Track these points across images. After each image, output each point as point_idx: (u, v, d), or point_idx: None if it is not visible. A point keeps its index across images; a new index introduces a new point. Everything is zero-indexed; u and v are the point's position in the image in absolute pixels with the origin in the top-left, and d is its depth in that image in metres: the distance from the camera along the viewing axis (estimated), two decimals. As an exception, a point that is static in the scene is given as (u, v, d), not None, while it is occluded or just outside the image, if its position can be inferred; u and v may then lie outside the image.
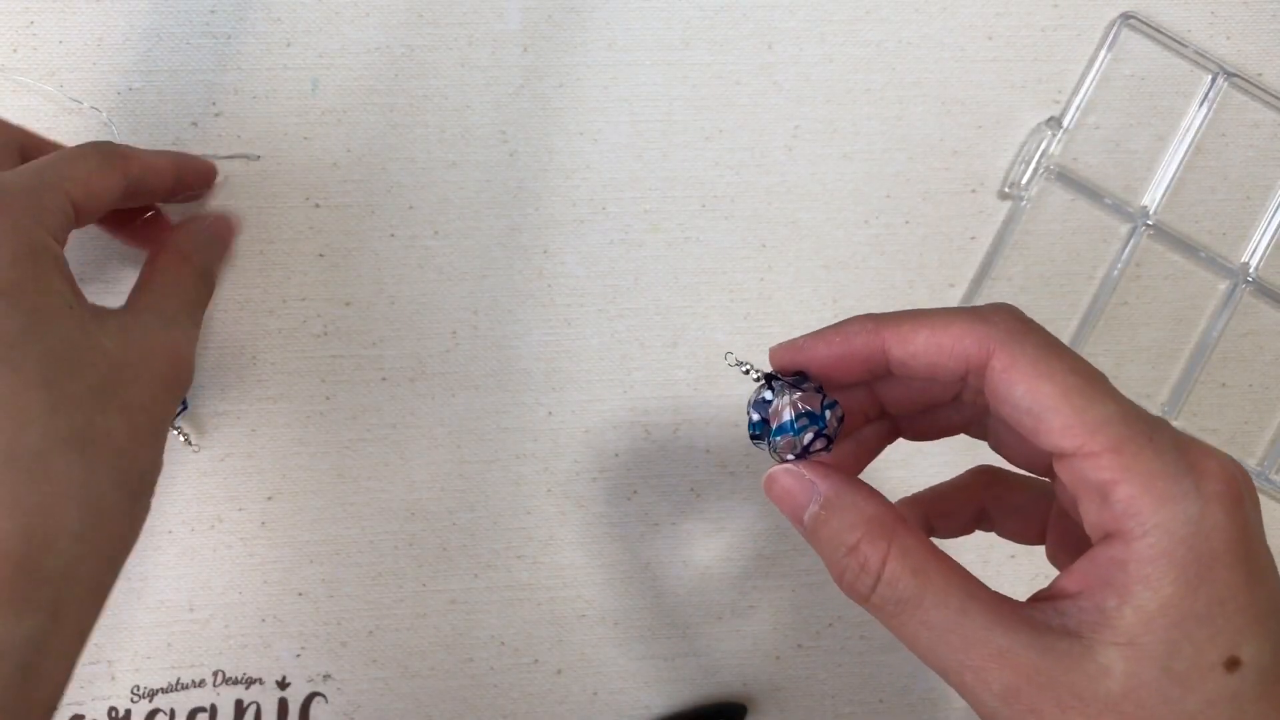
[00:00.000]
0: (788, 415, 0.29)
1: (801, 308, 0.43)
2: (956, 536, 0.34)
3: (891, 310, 0.29)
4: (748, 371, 0.30)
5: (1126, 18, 0.43)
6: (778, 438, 0.29)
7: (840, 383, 0.30)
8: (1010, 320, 0.27)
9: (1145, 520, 0.24)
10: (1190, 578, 0.23)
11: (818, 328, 0.30)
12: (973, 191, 0.44)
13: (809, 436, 0.29)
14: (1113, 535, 0.24)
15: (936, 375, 0.27)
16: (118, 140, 0.40)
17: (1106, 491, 0.24)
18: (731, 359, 0.31)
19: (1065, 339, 0.44)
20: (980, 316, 0.27)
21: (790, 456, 0.29)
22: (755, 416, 0.30)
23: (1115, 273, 0.44)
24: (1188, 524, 0.24)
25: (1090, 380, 0.25)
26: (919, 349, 0.27)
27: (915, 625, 0.26)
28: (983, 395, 0.27)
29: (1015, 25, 0.44)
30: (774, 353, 0.30)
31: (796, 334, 0.30)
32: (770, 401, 0.29)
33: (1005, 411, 0.26)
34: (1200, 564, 0.23)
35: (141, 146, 0.37)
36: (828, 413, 0.29)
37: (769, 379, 0.30)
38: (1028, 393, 0.25)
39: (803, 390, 0.29)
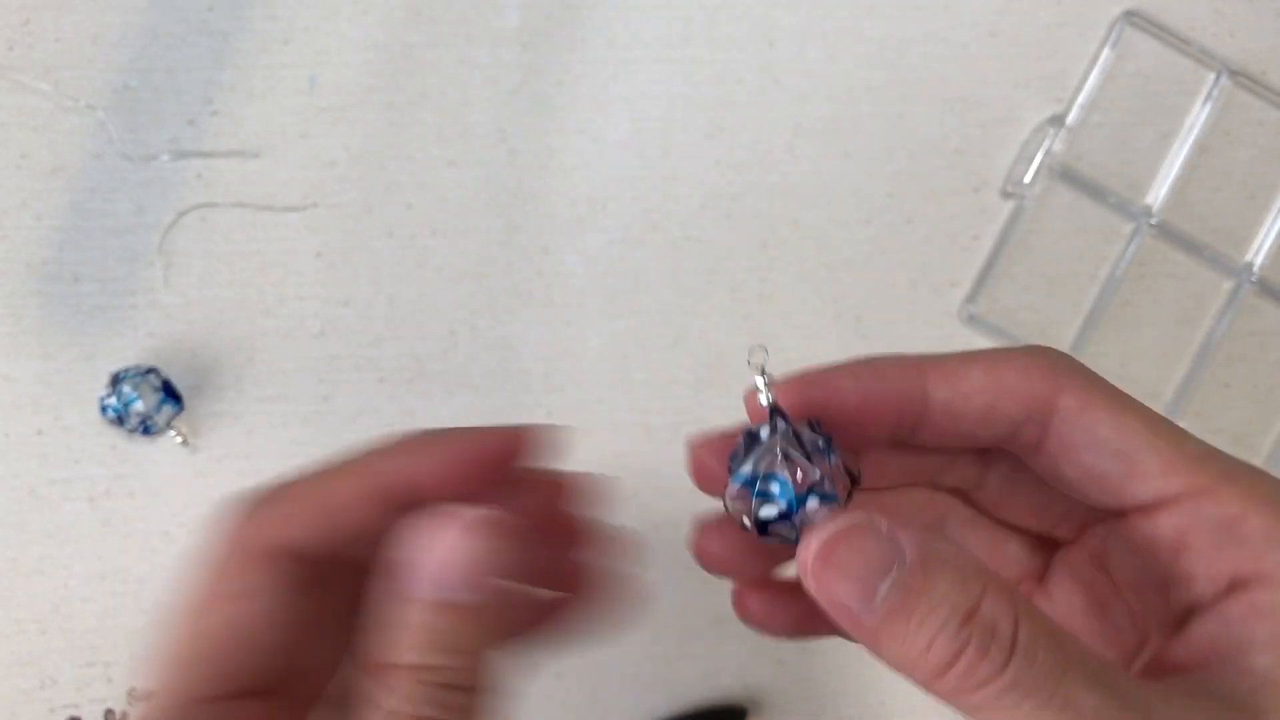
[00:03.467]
0: (782, 474, 0.22)
1: (803, 307, 0.43)
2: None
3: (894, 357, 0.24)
4: (768, 386, 0.23)
5: (1130, 15, 0.43)
6: (737, 489, 0.23)
7: (858, 433, 0.24)
8: (1067, 357, 0.23)
9: None
10: None
11: (828, 361, 0.24)
12: (975, 190, 0.44)
13: (814, 505, 0.22)
14: (1246, 581, 0.21)
15: (992, 420, 0.23)
16: (114, 139, 0.40)
17: (1234, 527, 0.21)
18: (760, 356, 0.23)
19: (1069, 339, 0.44)
20: (1036, 352, 0.23)
21: (746, 523, 0.23)
22: (738, 447, 0.23)
23: (1119, 272, 0.44)
24: None
25: (1165, 419, 0.22)
26: (974, 387, 0.23)
27: (1057, 706, 0.19)
28: (1034, 449, 0.23)
29: (1018, 23, 0.43)
30: (784, 387, 0.23)
31: (797, 334, 0.27)
32: (760, 442, 0.23)
33: (1082, 458, 0.22)
34: None
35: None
36: (824, 486, 0.22)
37: (773, 414, 0.23)
38: (1115, 431, 0.22)
39: (808, 441, 0.23)
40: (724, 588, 0.26)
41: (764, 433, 0.23)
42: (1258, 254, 0.44)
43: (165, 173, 0.41)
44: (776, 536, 0.23)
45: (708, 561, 0.25)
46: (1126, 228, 0.44)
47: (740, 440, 0.23)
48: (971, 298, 0.43)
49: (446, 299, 0.42)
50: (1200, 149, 0.44)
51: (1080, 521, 0.26)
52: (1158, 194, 0.44)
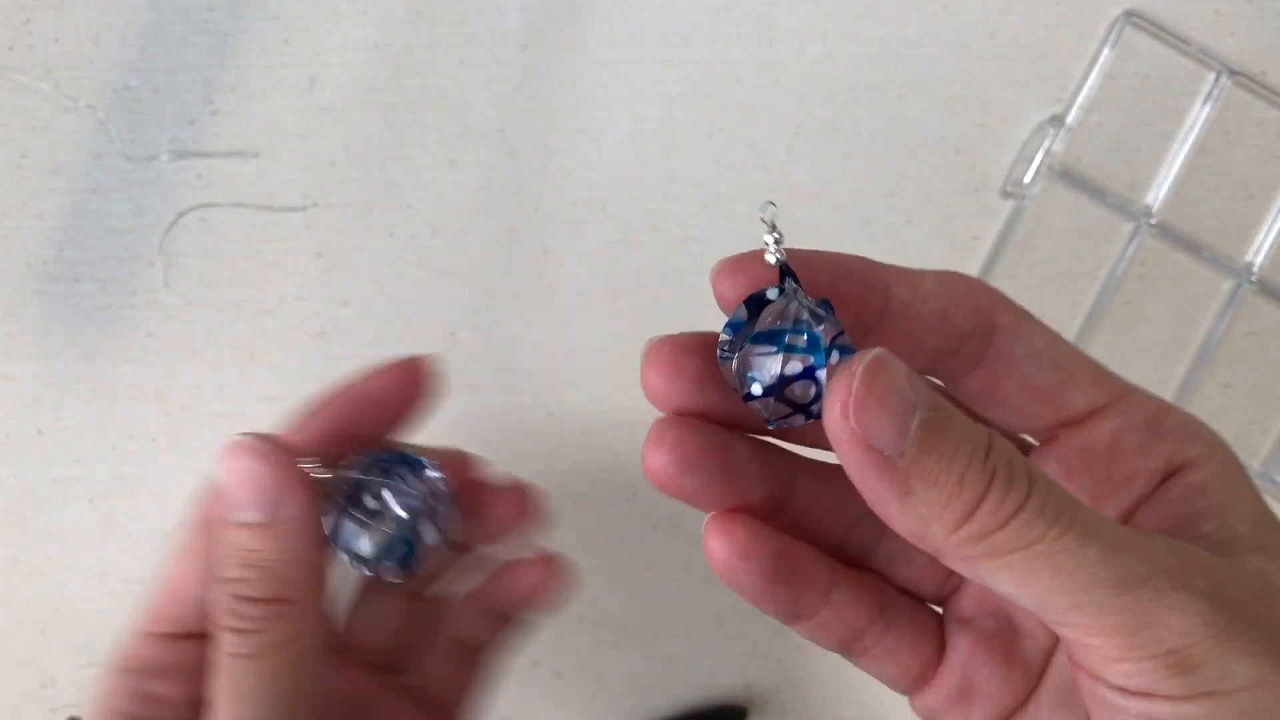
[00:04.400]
0: (810, 327, 0.21)
1: (803, 307, 0.43)
2: None
3: None
4: (778, 242, 0.22)
5: (1129, 15, 0.43)
6: (762, 347, 0.21)
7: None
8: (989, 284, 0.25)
9: (1207, 438, 0.23)
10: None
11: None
12: (975, 190, 0.44)
13: (835, 359, 0.21)
14: (1177, 468, 0.23)
15: (944, 328, 0.23)
16: (114, 139, 0.40)
17: (1158, 424, 0.23)
18: (770, 211, 0.22)
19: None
20: (967, 276, 0.24)
21: (757, 390, 0.22)
22: (739, 314, 0.22)
23: (1118, 272, 0.44)
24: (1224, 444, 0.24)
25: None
26: (929, 290, 0.23)
27: (1080, 529, 0.20)
28: (973, 363, 0.24)
29: (1018, 23, 0.43)
30: (762, 257, 0.22)
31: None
32: (767, 303, 0.22)
33: (1022, 369, 0.24)
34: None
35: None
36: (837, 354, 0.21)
37: (784, 274, 0.22)
38: (1050, 345, 0.24)
39: (825, 314, 0.22)
40: (725, 589, 0.26)
41: (772, 293, 0.22)
42: (1258, 254, 0.44)
43: (165, 173, 0.41)
44: (787, 404, 0.22)
45: (663, 463, 0.23)
46: (1126, 228, 0.44)
47: (741, 307, 0.22)
48: (971, 298, 0.43)
49: (446, 299, 0.42)
50: (1200, 149, 0.44)
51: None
52: (1158, 194, 0.44)
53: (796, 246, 0.23)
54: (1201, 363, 0.44)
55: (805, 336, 0.21)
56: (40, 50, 0.40)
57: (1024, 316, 0.24)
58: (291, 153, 0.41)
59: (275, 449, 0.25)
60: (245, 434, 0.25)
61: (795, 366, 0.21)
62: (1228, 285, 0.44)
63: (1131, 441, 0.23)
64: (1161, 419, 0.23)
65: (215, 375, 0.41)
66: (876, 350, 0.20)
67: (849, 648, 0.26)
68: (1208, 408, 0.45)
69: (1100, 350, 0.44)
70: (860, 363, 0.20)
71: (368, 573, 0.27)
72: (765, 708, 0.44)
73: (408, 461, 0.27)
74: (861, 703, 0.44)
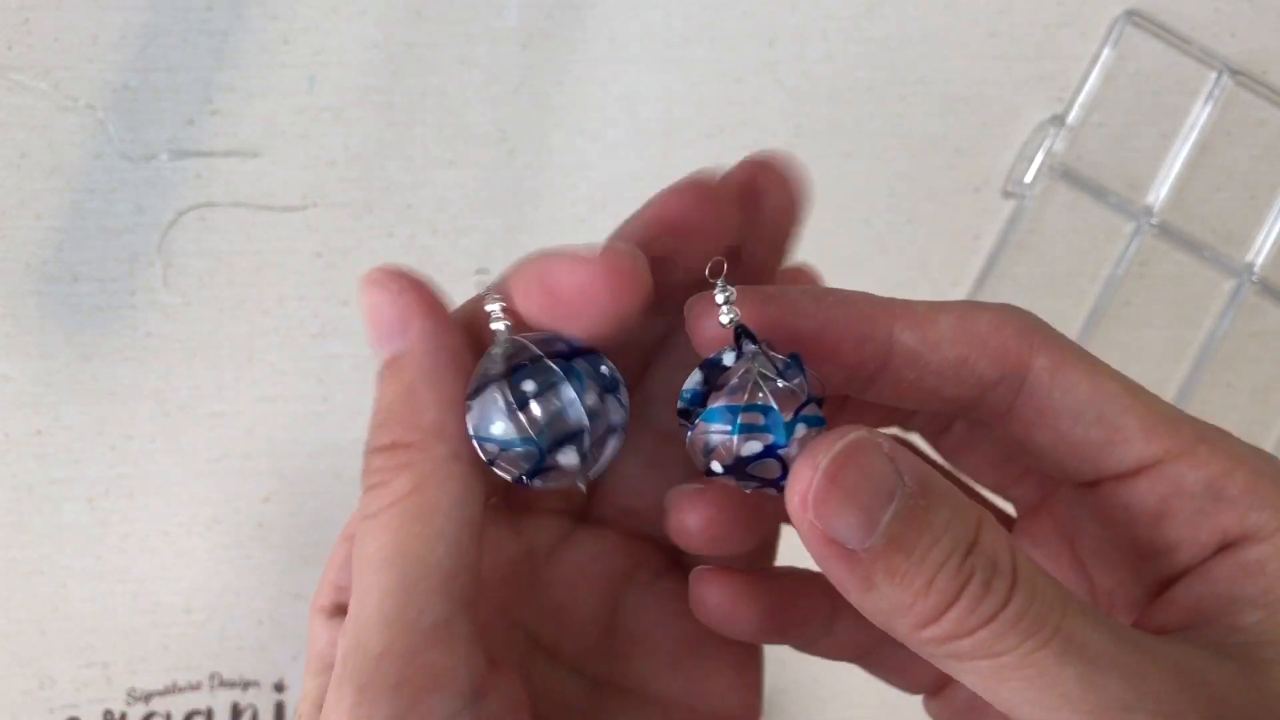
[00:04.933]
0: (768, 401, 0.19)
1: (803, 307, 0.43)
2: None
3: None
4: (728, 301, 0.20)
5: (1130, 15, 0.43)
6: (715, 426, 0.19)
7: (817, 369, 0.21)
8: (1036, 316, 0.21)
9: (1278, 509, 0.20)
10: None
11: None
12: (976, 190, 0.43)
13: (802, 432, 0.19)
14: (1233, 541, 0.20)
15: (961, 377, 0.21)
16: (114, 139, 0.40)
17: (1217, 489, 0.20)
18: (719, 265, 0.20)
19: (1070, 338, 0.44)
20: (1007, 309, 0.21)
21: (718, 468, 0.20)
22: (695, 381, 0.20)
23: (1119, 272, 0.43)
24: None
25: (1135, 382, 0.21)
26: (944, 336, 0.21)
27: (1060, 646, 0.18)
28: (1002, 414, 0.21)
29: (1018, 22, 0.43)
30: (738, 302, 0.20)
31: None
32: (723, 369, 0.20)
33: (1059, 423, 0.21)
34: None
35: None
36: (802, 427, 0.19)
37: (739, 336, 0.20)
38: (1094, 394, 0.21)
39: (778, 361, 0.20)
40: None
41: (728, 358, 0.20)
42: (1259, 254, 0.44)
43: (164, 172, 0.41)
44: (753, 479, 0.20)
45: (692, 536, 0.23)
46: (1127, 227, 0.44)
47: (696, 373, 0.20)
48: (973, 297, 0.43)
49: (446, 299, 0.42)
50: (1201, 149, 0.44)
51: (1041, 483, 0.24)
52: (1159, 194, 0.43)
53: (771, 288, 0.21)
54: (1202, 363, 0.44)
55: (763, 415, 0.19)
56: (39, 50, 0.40)
57: (1066, 359, 0.21)
58: (291, 152, 0.41)
59: (396, 276, 0.23)
60: (379, 266, 0.23)
61: (754, 447, 0.19)
62: (1229, 285, 0.44)
63: (1183, 509, 0.20)
64: (1225, 483, 0.20)
65: (214, 375, 0.41)
66: (849, 436, 0.18)
67: (859, 662, 0.25)
68: (1208, 408, 0.45)
69: (1101, 350, 0.44)
70: (825, 453, 0.18)
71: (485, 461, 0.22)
72: (766, 708, 0.44)
73: (602, 377, 0.21)
74: (861, 703, 0.44)
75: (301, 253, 0.41)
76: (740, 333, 0.20)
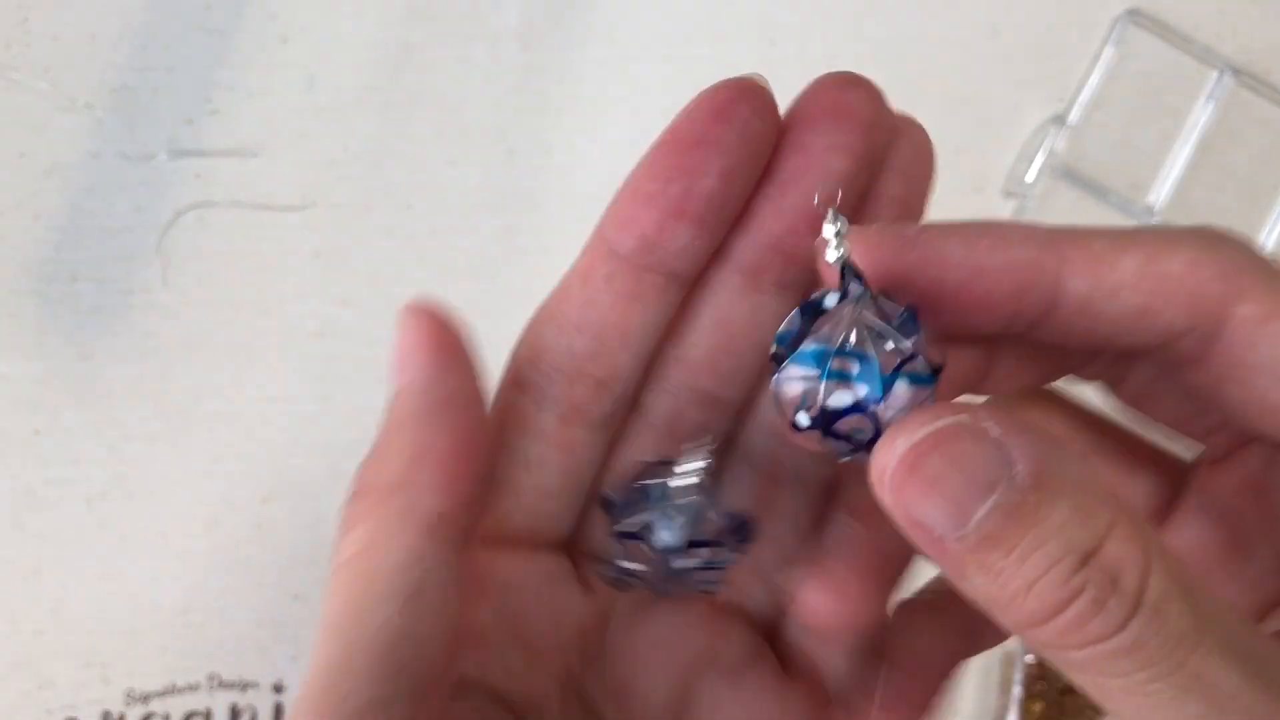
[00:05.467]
0: (865, 349, 0.17)
1: (803, 307, 0.43)
2: None
3: None
4: (839, 235, 0.18)
5: (1132, 14, 0.43)
6: (801, 370, 0.17)
7: (957, 320, 0.18)
8: (1246, 248, 0.18)
9: None
10: None
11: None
12: (977, 190, 0.43)
13: (903, 389, 0.17)
14: None
15: (1143, 326, 0.18)
16: (112, 138, 0.40)
17: None
18: (833, 193, 0.19)
19: None
20: (1208, 239, 0.18)
21: (804, 421, 0.18)
22: (792, 323, 0.18)
23: (1121, 272, 0.43)
24: None
25: None
26: (1126, 280, 0.18)
27: (1182, 682, 0.15)
28: (1192, 363, 0.18)
29: (1019, 21, 0.43)
30: (862, 243, 0.18)
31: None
32: (825, 311, 0.18)
33: (1258, 381, 0.18)
34: None
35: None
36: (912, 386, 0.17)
37: (845, 275, 0.18)
38: None
39: (890, 311, 0.17)
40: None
41: (830, 300, 0.18)
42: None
43: (163, 172, 0.41)
44: (843, 440, 0.18)
45: (820, 617, 0.20)
46: (1128, 227, 0.44)
47: (794, 315, 0.18)
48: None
49: (446, 299, 0.41)
50: (1203, 148, 0.43)
51: (1237, 434, 0.21)
52: (1160, 193, 0.43)
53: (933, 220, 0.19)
54: (1204, 363, 0.44)
55: (858, 362, 0.17)
56: (38, 49, 0.40)
57: (1276, 305, 0.18)
58: (290, 152, 0.41)
59: (420, 310, 0.22)
60: (416, 298, 0.22)
61: (843, 398, 0.17)
62: (1230, 285, 0.44)
63: None
64: None
65: (213, 375, 0.41)
66: (939, 421, 0.16)
67: None
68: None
69: (1102, 350, 0.44)
70: (906, 437, 0.16)
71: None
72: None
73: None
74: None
75: (300, 253, 0.41)
76: (846, 270, 0.18)
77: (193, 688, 0.41)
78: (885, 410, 0.17)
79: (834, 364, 0.17)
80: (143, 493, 0.41)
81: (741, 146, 0.19)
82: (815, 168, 0.19)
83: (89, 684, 0.41)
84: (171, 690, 0.41)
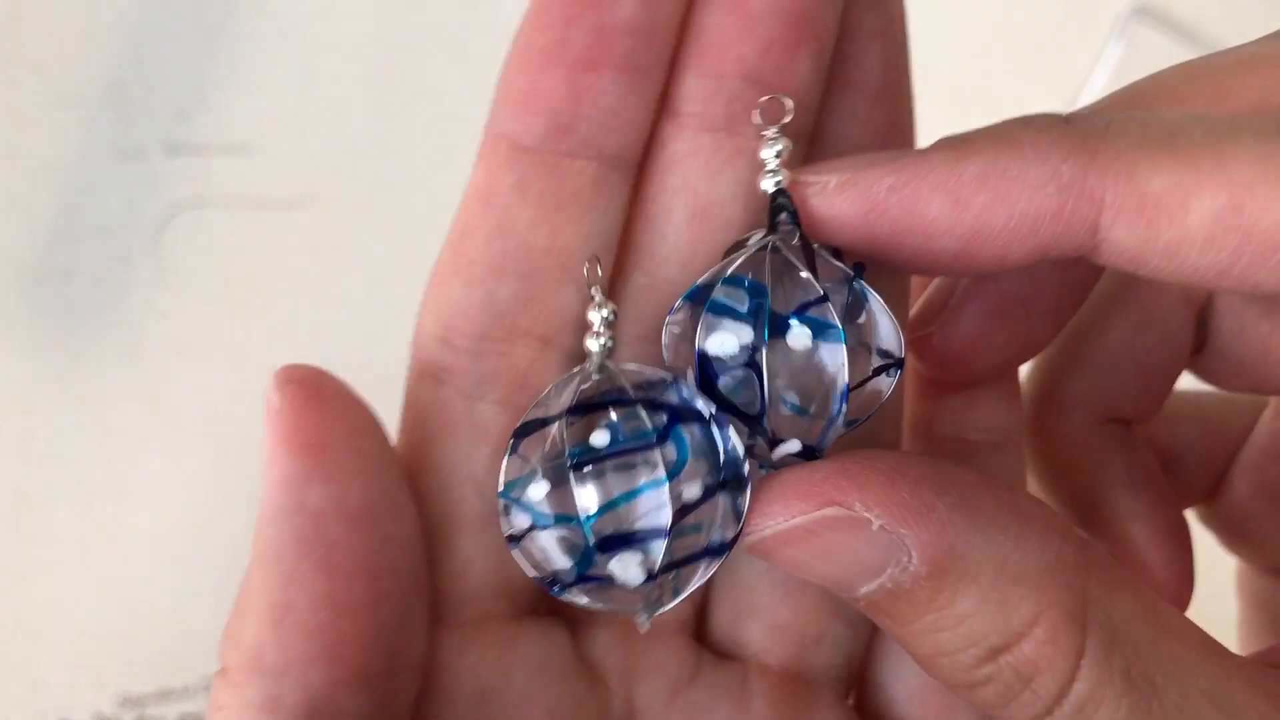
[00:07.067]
0: (762, 280, 0.14)
1: (805, 306, 0.43)
2: None
3: None
4: (779, 156, 0.14)
5: (1138, 10, 0.43)
6: (690, 307, 0.15)
7: (984, 259, 0.14)
8: None
9: None
10: None
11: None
12: (981, 187, 0.43)
13: (801, 334, 0.14)
14: None
15: (1218, 284, 0.13)
16: (106, 135, 0.39)
17: None
18: (775, 108, 0.14)
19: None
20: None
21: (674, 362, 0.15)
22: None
23: (1127, 270, 0.43)
24: None
25: None
26: (1193, 235, 0.13)
27: None
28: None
29: (1025, 16, 0.43)
30: (823, 195, 0.14)
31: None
32: (740, 247, 0.15)
33: None
34: None
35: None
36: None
37: (775, 210, 0.15)
38: None
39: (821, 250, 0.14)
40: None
41: (756, 238, 0.15)
42: (1269, 252, 0.44)
43: (158, 170, 0.40)
44: (722, 402, 0.14)
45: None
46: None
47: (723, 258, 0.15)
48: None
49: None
50: (1210, 145, 0.43)
51: None
52: (1167, 191, 0.43)
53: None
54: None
55: (748, 296, 0.14)
56: (30, 45, 0.40)
57: None
58: (286, 149, 0.41)
59: (290, 382, 0.15)
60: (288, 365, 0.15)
61: (724, 342, 0.14)
62: (1238, 284, 0.44)
63: None
64: None
65: (208, 375, 0.40)
66: (813, 515, 0.13)
67: None
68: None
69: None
70: (777, 517, 0.13)
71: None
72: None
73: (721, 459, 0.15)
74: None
75: (297, 251, 0.41)
76: (776, 205, 0.14)
77: (187, 691, 0.41)
78: (766, 362, 0.14)
79: (721, 292, 0.14)
80: (136, 494, 0.40)
81: None
82: None
83: (82, 687, 0.40)
84: (165, 693, 0.41)
